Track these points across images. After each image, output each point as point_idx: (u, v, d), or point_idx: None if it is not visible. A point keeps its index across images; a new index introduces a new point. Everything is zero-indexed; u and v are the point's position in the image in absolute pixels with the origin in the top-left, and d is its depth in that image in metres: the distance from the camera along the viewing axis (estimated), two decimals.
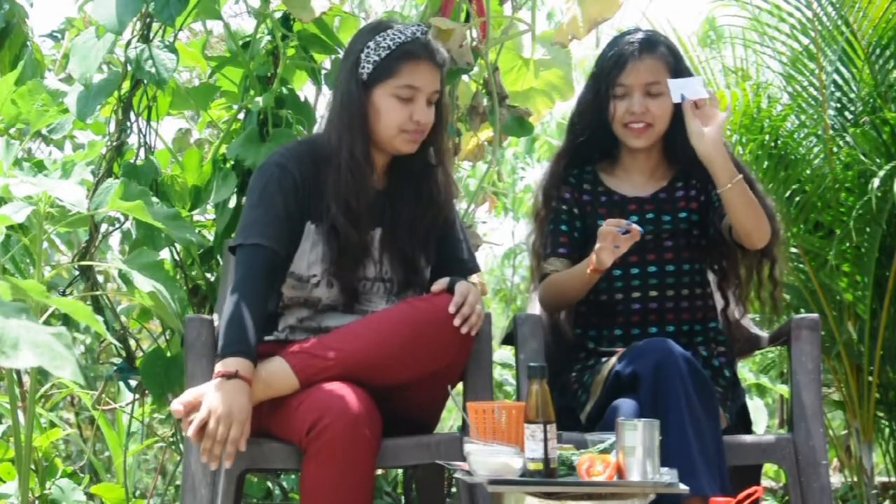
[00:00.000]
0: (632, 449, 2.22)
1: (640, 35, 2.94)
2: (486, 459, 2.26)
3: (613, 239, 2.71)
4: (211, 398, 2.46)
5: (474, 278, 3.53)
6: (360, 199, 2.70)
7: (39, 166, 2.99)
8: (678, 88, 2.82)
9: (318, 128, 3.47)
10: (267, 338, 2.75)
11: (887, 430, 4.24)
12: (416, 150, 2.75)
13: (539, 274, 3.04)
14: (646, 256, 2.94)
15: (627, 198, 2.99)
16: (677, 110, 2.89)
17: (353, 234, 2.69)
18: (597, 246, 2.74)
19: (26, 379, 3.61)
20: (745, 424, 2.96)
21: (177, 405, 2.47)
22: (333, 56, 3.42)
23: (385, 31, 2.71)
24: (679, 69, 2.92)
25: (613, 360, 2.78)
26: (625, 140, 2.95)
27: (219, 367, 2.50)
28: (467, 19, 3.33)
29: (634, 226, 2.71)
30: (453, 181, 2.91)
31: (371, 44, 2.70)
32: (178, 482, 3.74)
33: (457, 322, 2.60)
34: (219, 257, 3.32)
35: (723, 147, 2.80)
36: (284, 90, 3.37)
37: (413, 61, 2.68)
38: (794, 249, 4.08)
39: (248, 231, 2.66)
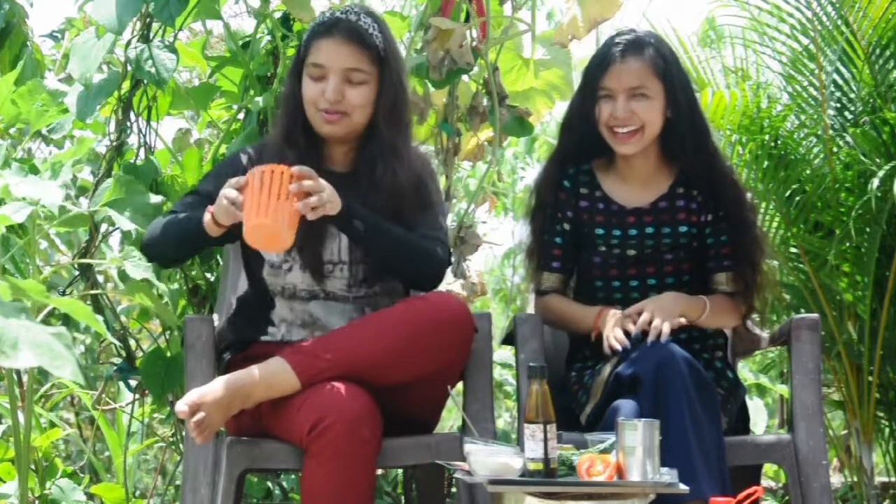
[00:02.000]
0: (632, 449, 2.22)
1: (628, 36, 2.86)
2: (486, 459, 2.27)
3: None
4: (217, 206, 2.54)
5: (474, 277, 3.54)
6: None
7: (32, 169, 2.99)
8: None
9: None
10: (264, 338, 2.76)
11: (887, 430, 4.23)
12: (374, 136, 2.74)
13: (535, 285, 3.03)
14: (645, 269, 2.91)
15: (626, 209, 2.93)
16: (670, 112, 2.86)
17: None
18: (605, 332, 2.78)
19: (26, 379, 3.61)
20: (743, 423, 2.95)
21: (182, 405, 2.47)
22: None
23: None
24: (669, 73, 2.84)
25: (614, 361, 2.77)
26: (613, 146, 2.88)
27: (207, 222, 2.58)
28: (467, 19, 3.33)
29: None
30: (430, 171, 2.86)
31: (308, 31, 2.77)
32: (178, 482, 3.74)
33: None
34: (219, 257, 3.32)
35: (675, 311, 2.78)
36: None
37: (318, 39, 2.72)
38: (794, 249, 4.08)
39: (176, 204, 2.79)
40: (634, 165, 2.94)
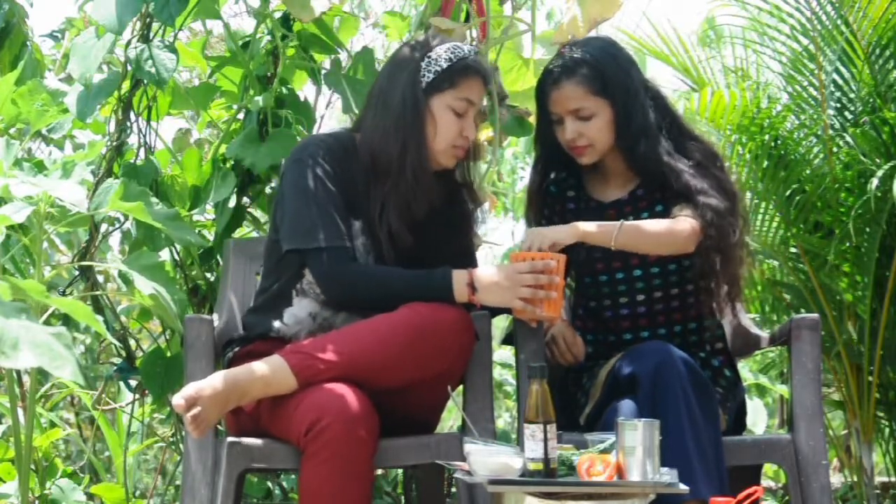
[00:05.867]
0: (632, 449, 2.22)
1: (561, 60, 2.88)
2: (486, 459, 2.27)
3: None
4: (498, 294, 2.65)
5: None
6: (420, 207, 2.73)
7: (39, 166, 2.99)
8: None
9: (317, 128, 3.48)
10: (271, 334, 2.75)
11: (887, 430, 4.24)
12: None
13: None
14: (629, 261, 2.90)
15: (605, 203, 2.96)
16: (618, 124, 2.86)
17: (408, 239, 2.72)
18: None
19: (26, 379, 3.61)
20: (740, 421, 2.95)
21: (178, 399, 2.47)
22: (333, 56, 3.42)
23: (444, 43, 2.77)
24: (608, 87, 2.84)
25: (612, 362, 2.77)
26: (574, 158, 2.93)
27: (459, 293, 2.64)
28: (467, 19, 3.33)
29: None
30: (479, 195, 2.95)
31: (432, 53, 2.75)
32: (178, 482, 3.75)
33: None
34: (218, 257, 3.32)
35: (580, 230, 2.75)
36: (284, 90, 3.37)
37: (473, 76, 2.76)
38: (793, 249, 4.08)
39: (324, 232, 2.65)
40: (607, 163, 2.97)
